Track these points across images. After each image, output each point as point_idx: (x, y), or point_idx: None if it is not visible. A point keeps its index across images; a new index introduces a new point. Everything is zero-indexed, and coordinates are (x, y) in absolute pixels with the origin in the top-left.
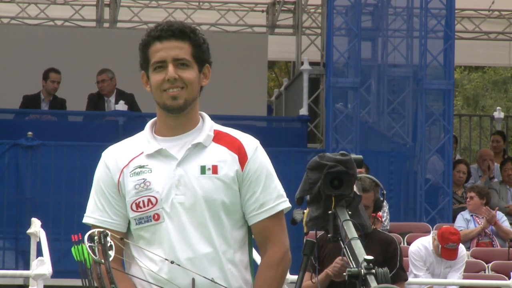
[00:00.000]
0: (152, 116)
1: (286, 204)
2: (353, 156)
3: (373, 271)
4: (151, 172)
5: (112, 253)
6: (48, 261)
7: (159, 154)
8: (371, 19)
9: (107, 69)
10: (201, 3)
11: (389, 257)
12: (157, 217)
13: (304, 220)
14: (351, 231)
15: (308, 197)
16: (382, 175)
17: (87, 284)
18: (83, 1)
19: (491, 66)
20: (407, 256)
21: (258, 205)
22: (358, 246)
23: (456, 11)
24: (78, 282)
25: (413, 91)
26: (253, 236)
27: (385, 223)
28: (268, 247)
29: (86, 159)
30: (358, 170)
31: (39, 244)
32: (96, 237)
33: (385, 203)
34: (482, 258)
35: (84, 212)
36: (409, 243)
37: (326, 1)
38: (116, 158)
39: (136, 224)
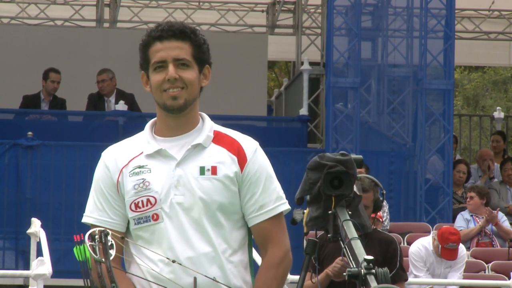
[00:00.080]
0: (152, 116)
1: (285, 206)
2: (353, 156)
3: (373, 271)
4: (150, 172)
5: (113, 252)
6: (48, 261)
7: (158, 154)
8: (371, 19)
9: (107, 69)
10: (201, 3)
11: (389, 257)
12: (156, 217)
13: (304, 220)
14: (351, 231)
15: (308, 197)
16: (382, 175)
17: (89, 284)
18: (83, 1)
19: (491, 66)
20: (407, 256)
21: (258, 207)
22: (358, 246)
23: (456, 11)
24: (78, 282)
25: (413, 91)
26: (253, 237)
27: (385, 223)
28: (269, 248)
29: (86, 159)
30: (358, 170)
31: (39, 244)
32: (97, 236)
33: (385, 203)
34: (482, 258)
35: (84, 212)
36: (409, 243)
37: (326, 1)
38: (115, 158)
39: (135, 224)
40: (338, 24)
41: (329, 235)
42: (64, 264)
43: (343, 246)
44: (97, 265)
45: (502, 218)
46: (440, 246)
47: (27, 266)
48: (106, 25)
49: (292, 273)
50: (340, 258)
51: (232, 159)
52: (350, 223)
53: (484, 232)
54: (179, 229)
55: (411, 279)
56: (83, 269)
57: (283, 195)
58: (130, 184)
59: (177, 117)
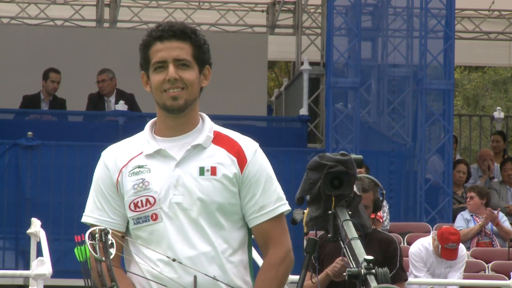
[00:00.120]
0: (152, 116)
1: (286, 206)
2: (353, 156)
3: (373, 271)
4: (150, 172)
5: (113, 251)
6: (48, 261)
7: (158, 154)
8: (371, 19)
9: (107, 69)
10: (201, 3)
11: (389, 257)
12: (155, 217)
13: (304, 220)
14: (351, 231)
15: (308, 197)
16: (382, 175)
17: (90, 285)
18: (83, 1)
19: (491, 66)
20: (407, 256)
21: (258, 208)
22: (358, 246)
23: (456, 11)
24: (78, 282)
25: (413, 91)
26: (254, 238)
27: (385, 223)
28: (270, 249)
29: (86, 159)
30: (358, 170)
31: (39, 244)
32: (97, 235)
33: (385, 203)
34: (482, 258)
35: (84, 211)
36: (409, 243)
37: (326, 1)
38: (115, 157)
39: (134, 224)
40: (338, 24)
41: (329, 235)
42: (64, 264)
43: (343, 246)
44: (97, 264)
45: (503, 218)
46: (440, 246)
47: (27, 266)
48: (106, 25)
49: (292, 273)
50: (340, 258)
51: (231, 160)
52: (350, 223)
53: (484, 232)
54: (178, 229)
55: (411, 279)
56: (84, 270)
57: (283, 196)
58: (129, 184)
59: (177, 117)
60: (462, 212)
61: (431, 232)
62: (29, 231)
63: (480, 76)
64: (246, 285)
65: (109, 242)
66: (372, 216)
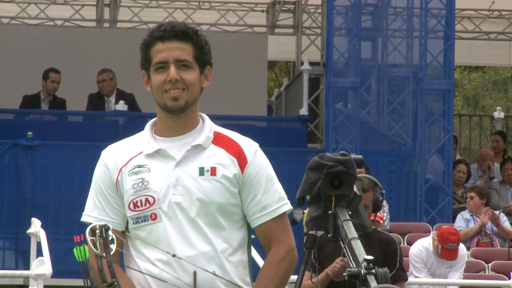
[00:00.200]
0: (152, 116)
1: (288, 206)
2: (353, 156)
3: (373, 271)
4: (149, 171)
5: (113, 247)
6: (48, 261)
7: (158, 154)
8: (371, 19)
9: (107, 69)
10: (201, 3)
11: (389, 257)
12: (154, 217)
13: (304, 220)
14: (351, 231)
15: (308, 197)
16: (382, 175)
17: (89, 284)
18: (83, 1)
19: (491, 66)
20: (407, 256)
21: (260, 208)
22: (358, 246)
23: (456, 11)
24: (78, 282)
25: (413, 91)
26: (258, 238)
27: (385, 223)
28: (272, 247)
29: (86, 159)
30: (358, 170)
31: (39, 244)
32: (97, 231)
33: (385, 203)
34: (482, 258)
35: (84, 211)
36: (409, 243)
37: (326, 1)
38: (115, 157)
39: (133, 223)
40: (338, 24)
41: (329, 235)
42: (64, 264)
43: (343, 246)
44: (98, 259)
45: (503, 218)
46: (440, 246)
47: (27, 266)
48: (106, 25)
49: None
50: (340, 258)
51: (231, 161)
52: (350, 223)
53: (484, 232)
54: (178, 228)
55: (411, 279)
56: (83, 270)
57: (285, 196)
58: (129, 183)
59: (177, 118)
60: (462, 212)
61: (431, 232)
62: (29, 231)
63: (480, 76)
64: (246, 285)
65: (110, 238)
66: (372, 216)
